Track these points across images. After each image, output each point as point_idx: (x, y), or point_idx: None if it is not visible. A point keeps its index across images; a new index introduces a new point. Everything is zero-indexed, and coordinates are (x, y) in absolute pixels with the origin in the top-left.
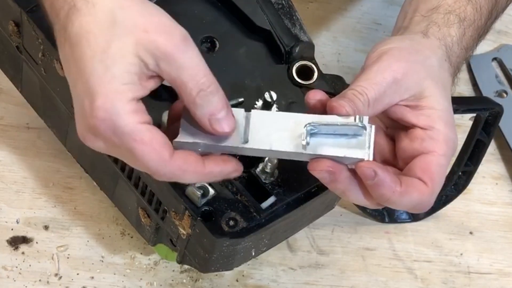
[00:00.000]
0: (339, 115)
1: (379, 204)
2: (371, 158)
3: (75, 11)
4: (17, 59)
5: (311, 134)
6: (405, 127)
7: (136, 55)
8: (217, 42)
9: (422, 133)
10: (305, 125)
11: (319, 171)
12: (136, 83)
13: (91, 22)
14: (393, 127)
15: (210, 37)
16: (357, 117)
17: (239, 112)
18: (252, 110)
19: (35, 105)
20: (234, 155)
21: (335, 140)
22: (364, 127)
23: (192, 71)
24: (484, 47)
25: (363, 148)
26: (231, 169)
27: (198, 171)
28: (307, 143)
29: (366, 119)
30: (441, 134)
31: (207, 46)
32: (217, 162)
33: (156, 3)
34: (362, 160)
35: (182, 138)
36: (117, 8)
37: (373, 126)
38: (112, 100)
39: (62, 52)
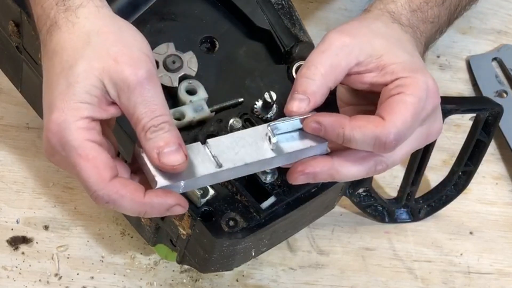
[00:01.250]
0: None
1: (364, 161)
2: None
3: (56, 28)
4: (17, 59)
5: (276, 135)
6: (379, 93)
7: (100, 80)
8: (217, 42)
9: (391, 85)
10: (268, 125)
11: (297, 178)
12: (95, 104)
13: (67, 40)
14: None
15: (210, 37)
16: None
17: (197, 146)
18: (208, 140)
19: (35, 105)
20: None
21: (298, 134)
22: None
23: (148, 108)
24: (484, 47)
25: (323, 139)
26: (173, 202)
27: (136, 199)
28: (276, 142)
29: None
30: (408, 79)
31: (207, 46)
32: (158, 194)
33: (157, 3)
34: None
35: (161, 183)
36: (94, 32)
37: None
38: (66, 115)
39: (42, 65)
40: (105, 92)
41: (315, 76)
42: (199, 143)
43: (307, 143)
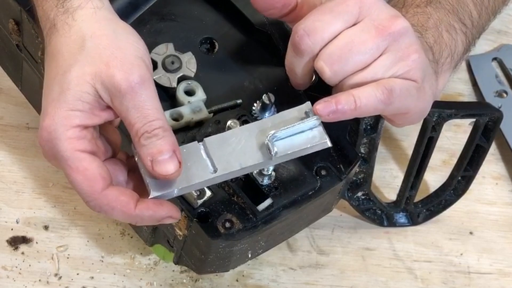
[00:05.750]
0: None
1: None
2: (330, 143)
3: (54, 31)
4: (17, 57)
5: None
6: None
7: (92, 85)
8: (216, 44)
9: None
10: (267, 136)
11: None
12: (87, 111)
13: (64, 44)
14: None
15: (209, 38)
16: (309, 112)
17: (194, 146)
18: (205, 139)
19: (35, 104)
20: (174, 201)
21: (294, 137)
22: (318, 119)
23: (141, 113)
24: (484, 47)
25: (322, 136)
26: (164, 214)
27: (126, 211)
28: (276, 153)
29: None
30: None
31: (207, 47)
32: (149, 206)
33: (156, 4)
34: (326, 144)
35: (154, 193)
36: (89, 36)
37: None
38: (57, 124)
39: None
40: (98, 97)
41: None
42: (195, 142)
43: (307, 142)
